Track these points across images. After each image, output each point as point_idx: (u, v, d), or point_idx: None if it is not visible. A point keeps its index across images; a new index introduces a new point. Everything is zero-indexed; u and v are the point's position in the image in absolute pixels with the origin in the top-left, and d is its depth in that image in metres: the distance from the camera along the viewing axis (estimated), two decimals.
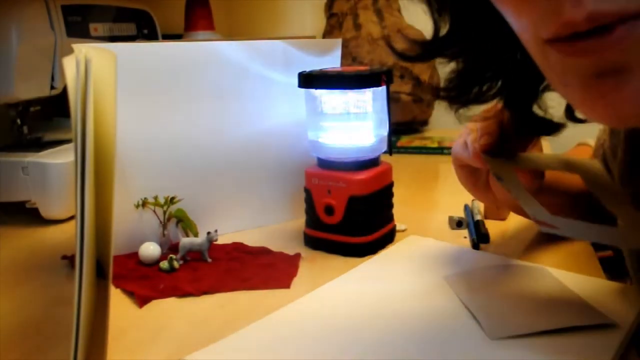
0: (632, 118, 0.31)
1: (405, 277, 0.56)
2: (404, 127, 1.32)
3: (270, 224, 0.76)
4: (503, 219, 0.72)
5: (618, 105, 0.30)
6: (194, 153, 0.69)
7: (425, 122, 1.37)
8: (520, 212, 0.64)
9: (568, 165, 0.44)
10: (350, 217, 0.64)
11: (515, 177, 0.50)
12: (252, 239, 0.69)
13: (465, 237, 0.68)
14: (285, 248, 0.67)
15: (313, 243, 0.67)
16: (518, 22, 0.32)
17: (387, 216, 0.68)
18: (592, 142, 0.72)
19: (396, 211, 0.69)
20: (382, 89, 0.66)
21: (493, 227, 0.69)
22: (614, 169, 0.60)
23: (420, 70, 1.27)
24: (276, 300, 0.53)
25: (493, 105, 0.52)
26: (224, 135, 0.71)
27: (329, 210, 0.64)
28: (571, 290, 0.51)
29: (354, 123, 0.66)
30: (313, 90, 0.66)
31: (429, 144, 1.19)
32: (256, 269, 0.61)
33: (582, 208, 0.65)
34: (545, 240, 0.66)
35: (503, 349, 0.43)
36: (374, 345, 0.44)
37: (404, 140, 1.24)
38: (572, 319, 0.45)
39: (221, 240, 0.67)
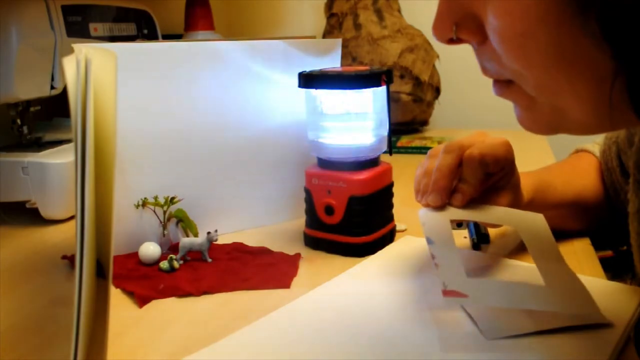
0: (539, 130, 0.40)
1: (402, 277, 0.56)
2: (404, 127, 1.32)
3: (270, 224, 0.76)
4: None
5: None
6: (194, 153, 0.69)
7: (425, 122, 1.37)
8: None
9: (510, 221, 0.47)
10: (350, 217, 0.64)
11: (450, 242, 0.50)
12: (252, 239, 0.69)
13: (465, 237, 0.68)
14: (285, 248, 0.67)
15: (313, 243, 0.67)
16: None
17: (387, 216, 0.68)
18: (590, 147, 0.72)
19: (396, 211, 0.69)
20: (382, 89, 0.66)
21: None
22: (628, 159, 0.60)
23: (420, 70, 1.27)
24: (276, 300, 0.53)
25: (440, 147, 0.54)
26: (224, 135, 0.71)
27: (329, 210, 0.64)
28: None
29: (354, 123, 0.66)
30: (313, 90, 0.66)
31: (429, 144, 1.19)
32: (256, 269, 0.61)
33: (579, 216, 0.65)
34: None
35: (500, 349, 0.43)
36: (371, 345, 0.44)
37: (404, 140, 1.23)
38: (569, 319, 0.45)
39: (221, 240, 0.67)
